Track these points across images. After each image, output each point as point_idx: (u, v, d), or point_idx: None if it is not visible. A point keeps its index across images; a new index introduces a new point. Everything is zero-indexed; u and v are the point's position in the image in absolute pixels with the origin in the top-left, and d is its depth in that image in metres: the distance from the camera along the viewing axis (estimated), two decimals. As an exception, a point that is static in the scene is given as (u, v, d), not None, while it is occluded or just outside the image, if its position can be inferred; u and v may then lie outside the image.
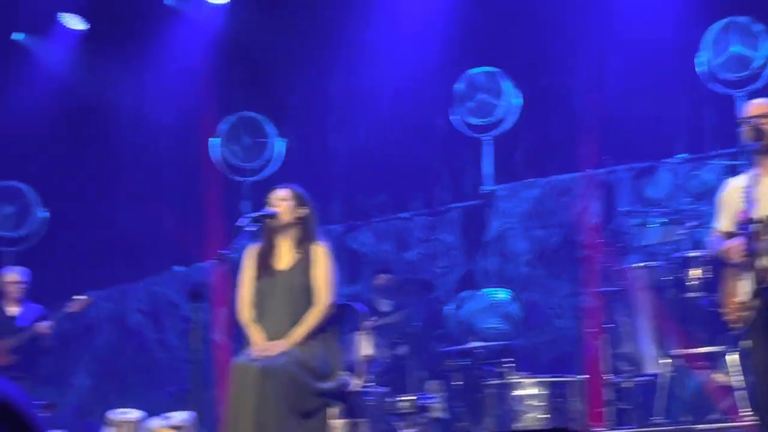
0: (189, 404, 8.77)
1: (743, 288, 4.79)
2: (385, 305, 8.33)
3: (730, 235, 4.93)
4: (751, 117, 4.91)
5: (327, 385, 5.05)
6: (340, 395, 5.15)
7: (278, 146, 9.71)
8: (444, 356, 8.19)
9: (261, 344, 5.04)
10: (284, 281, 5.18)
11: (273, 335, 5.11)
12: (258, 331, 5.15)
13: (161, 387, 9.39)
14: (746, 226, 4.75)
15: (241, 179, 9.73)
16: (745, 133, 4.89)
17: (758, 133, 4.84)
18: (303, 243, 5.25)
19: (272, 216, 5.16)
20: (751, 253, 4.70)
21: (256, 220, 5.12)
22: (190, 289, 4.52)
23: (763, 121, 4.88)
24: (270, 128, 9.70)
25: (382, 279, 8.49)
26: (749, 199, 4.76)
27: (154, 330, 9.58)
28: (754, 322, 4.77)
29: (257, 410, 4.78)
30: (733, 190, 5.02)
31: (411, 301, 8.27)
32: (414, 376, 7.73)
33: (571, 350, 8.02)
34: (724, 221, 5.04)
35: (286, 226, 5.22)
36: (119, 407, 9.18)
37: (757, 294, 4.73)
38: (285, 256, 5.25)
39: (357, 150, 9.91)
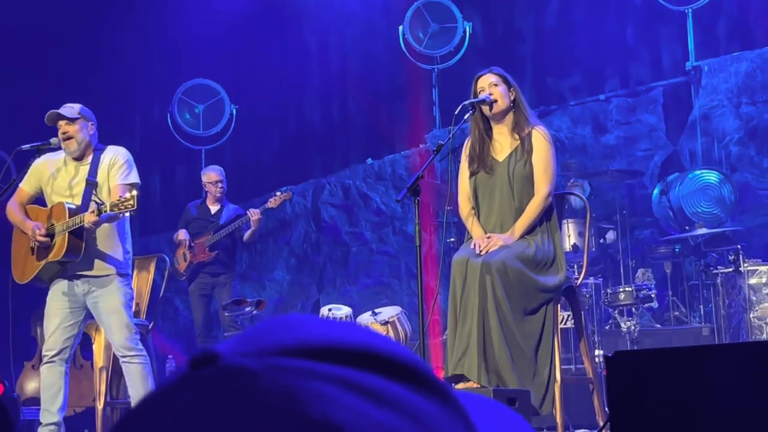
0: (390, 298, 8.78)
1: None
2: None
3: None
4: None
5: (551, 279, 4.79)
6: (563, 289, 4.89)
7: (466, 30, 9.36)
8: (653, 243, 7.85)
9: (481, 238, 4.80)
10: (503, 171, 4.90)
11: (494, 228, 4.88)
12: (477, 225, 4.91)
13: (358, 280, 9.37)
14: None
15: (430, 67, 9.45)
16: None
17: None
18: (520, 128, 4.93)
19: (489, 103, 4.85)
20: None
21: (472, 107, 4.82)
22: (409, 184, 4.29)
23: None
24: (456, 12, 9.34)
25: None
26: None
27: (348, 224, 9.53)
28: None
29: (481, 306, 4.59)
30: None
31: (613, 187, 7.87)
32: (624, 265, 7.40)
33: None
34: None
35: (503, 113, 4.92)
36: (318, 301, 9.29)
37: None
38: (503, 144, 4.96)
39: (546, 30, 9.46)
